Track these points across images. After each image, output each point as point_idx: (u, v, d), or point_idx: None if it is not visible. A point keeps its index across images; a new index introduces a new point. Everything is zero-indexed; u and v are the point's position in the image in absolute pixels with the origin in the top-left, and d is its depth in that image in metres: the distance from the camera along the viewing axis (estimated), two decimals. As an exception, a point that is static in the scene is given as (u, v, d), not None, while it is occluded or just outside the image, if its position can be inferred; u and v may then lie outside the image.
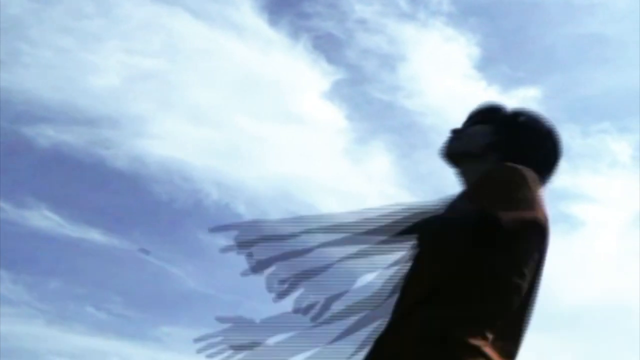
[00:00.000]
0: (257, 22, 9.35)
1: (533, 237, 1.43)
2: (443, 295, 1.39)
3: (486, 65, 9.41)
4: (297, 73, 9.69)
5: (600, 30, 9.86)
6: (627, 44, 9.81)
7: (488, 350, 1.34)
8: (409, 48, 9.76)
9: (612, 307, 9.05)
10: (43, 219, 9.28)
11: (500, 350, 1.37)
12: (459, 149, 1.64)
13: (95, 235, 9.58)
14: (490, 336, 1.35)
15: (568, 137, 9.64)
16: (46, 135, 9.25)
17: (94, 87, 9.51)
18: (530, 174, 1.46)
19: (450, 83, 9.68)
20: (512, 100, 9.06)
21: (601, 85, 9.95)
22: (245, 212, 9.76)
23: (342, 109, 9.67)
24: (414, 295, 1.44)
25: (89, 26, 9.36)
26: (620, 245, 9.65)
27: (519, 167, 1.46)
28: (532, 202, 1.43)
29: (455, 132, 1.67)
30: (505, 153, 1.58)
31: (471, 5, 9.79)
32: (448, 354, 1.32)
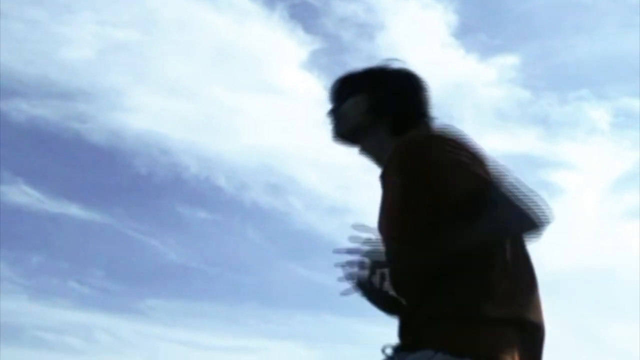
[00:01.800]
0: (232, -9, 9.21)
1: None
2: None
3: (464, 33, 9.37)
4: (274, 43, 9.59)
5: (578, -3, 9.84)
6: (605, 11, 9.81)
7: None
8: (386, 16, 9.68)
9: (592, 271, 9.18)
10: (22, 194, 9.19)
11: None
12: (346, 128, 1.66)
13: (75, 210, 9.52)
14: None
15: (546, 105, 9.69)
16: (20, 109, 9.11)
17: (67, 59, 9.35)
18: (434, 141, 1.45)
19: (428, 51, 9.61)
20: (491, 68, 9.05)
21: (579, 53, 9.96)
22: (226, 185, 9.73)
23: (320, 79, 9.58)
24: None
25: (61, -2, 9.16)
26: (599, 211, 9.77)
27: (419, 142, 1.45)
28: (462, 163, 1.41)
29: (333, 114, 1.69)
30: (385, 107, 1.61)
31: (449, -28, 9.70)
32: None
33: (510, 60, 9.41)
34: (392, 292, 1.57)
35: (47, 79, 9.26)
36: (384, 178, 1.58)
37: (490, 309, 1.39)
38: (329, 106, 1.70)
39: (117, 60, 9.69)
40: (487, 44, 9.50)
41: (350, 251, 1.61)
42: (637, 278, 9.19)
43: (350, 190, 10.25)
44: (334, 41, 9.65)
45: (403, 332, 1.49)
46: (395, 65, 1.67)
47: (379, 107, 1.61)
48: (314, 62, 9.45)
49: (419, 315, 1.45)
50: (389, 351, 1.49)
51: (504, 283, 1.42)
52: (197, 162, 9.69)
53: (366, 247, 1.59)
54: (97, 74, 9.59)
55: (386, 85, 1.63)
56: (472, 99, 9.92)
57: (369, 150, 1.64)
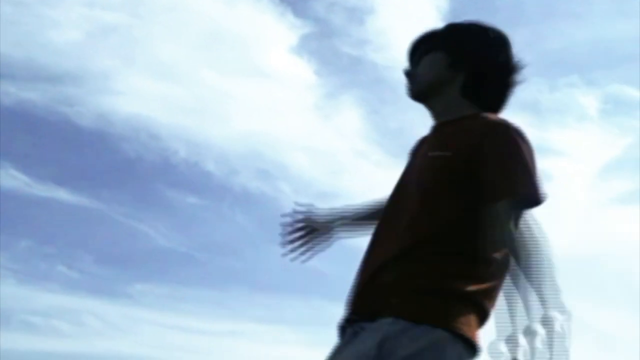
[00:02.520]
0: (222, -26, 9.13)
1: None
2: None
3: (455, 18, 8.97)
4: (263, 27, 9.51)
5: (569, -17, 9.82)
6: (595, -4, 9.80)
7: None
8: (377, 0, 9.63)
9: (580, 257, 9.24)
10: (10, 178, 9.10)
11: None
12: (422, 87, 1.64)
13: (63, 195, 9.44)
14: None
15: (536, 91, 9.66)
16: (8, 92, 8.99)
17: (55, 42, 9.22)
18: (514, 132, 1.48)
19: (419, 36, 9.57)
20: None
21: (569, 39, 9.94)
22: (215, 170, 9.69)
23: (310, 64, 9.55)
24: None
25: (49, -21, 9.05)
26: (587, 197, 9.81)
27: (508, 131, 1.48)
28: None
29: (409, 75, 1.66)
30: (466, 65, 1.58)
31: (440, -43, 9.65)
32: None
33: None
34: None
35: (35, 61, 9.16)
36: (449, 133, 1.56)
37: (460, 287, 1.40)
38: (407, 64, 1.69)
39: (106, 43, 9.59)
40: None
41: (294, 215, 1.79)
42: (625, 264, 9.28)
43: (340, 175, 10.26)
44: (323, 25, 9.59)
45: (359, 302, 1.49)
46: (479, 23, 1.64)
47: (455, 64, 1.59)
48: (304, 46, 9.39)
49: (378, 285, 1.46)
50: (343, 322, 1.50)
51: (482, 270, 1.43)
52: (186, 147, 9.64)
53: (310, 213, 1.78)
54: (86, 57, 9.50)
55: (465, 42, 1.60)
56: (462, 85, 9.87)
57: (436, 108, 1.63)
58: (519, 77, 1.60)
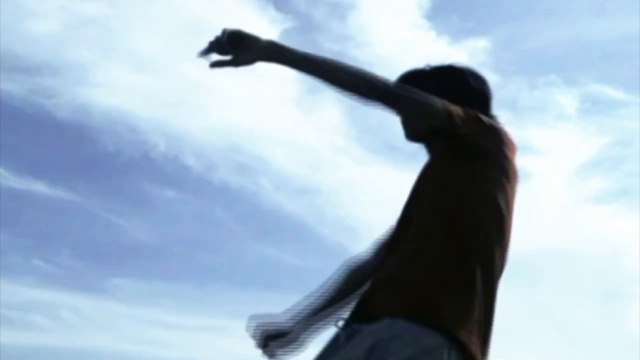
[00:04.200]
0: (203, -33, 9.08)
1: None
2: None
3: (436, 14, 9.34)
4: (244, 20, 9.47)
5: (549, -18, 9.89)
6: (575, -5, 9.88)
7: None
8: (358, -4, 9.63)
9: (556, 254, 9.33)
10: (-16, 171, 9.00)
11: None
12: (411, 130, 1.66)
13: (40, 187, 9.35)
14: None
15: (515, 89, 9.72)
16: (-16, 84, 8.89)
17: (33, 33, 9.11)
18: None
19: (400, 33, 9.59)
20: (462, 51, 9.06)
21: (549, 38, 10.02)
22: (194, 164, 9.64)
23: (291, 59, 9.51)
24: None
25: (27, -31, 8.94)
26: (564, 195, 9.91)
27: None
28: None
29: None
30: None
31: (422, -46, 9.66)
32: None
33: (481, 43, 9.42)
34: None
35: (12, 52, 9.03)
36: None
37: (465, 292, 1.41)
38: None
39: (84, 34, 9.49)
40: (458, 26, 9.50)
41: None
42: (599, 262, 9.39)
43: (320, 171, 10.26)
44: (305, 20, 9.57)
45: (361, 304, 1.50)
46: (463, 68, 1.68)
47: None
48: (285, 41, 9.05)
49: (379, 284, 1.47)
50: (341, 324, 1.50)
51: (486, 283, 1.45)
52: (165, 140, 9.57)
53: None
54: (64, 48, 9.40)
55: (449, 92, 1.60)
56: (442, 82, 9.91)
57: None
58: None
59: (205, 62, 1.52)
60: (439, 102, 1.48)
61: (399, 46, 9.54)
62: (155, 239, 9.87)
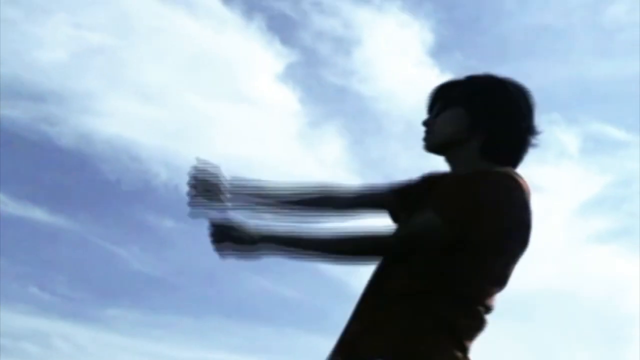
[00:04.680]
0: (210, 0, 9.18)
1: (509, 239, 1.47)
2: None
3: (439, 52, 9.42)
4: (250, 54, 9.56)
5: (552, 22, 9.99)
6: (578, 36, 9.96)
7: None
8: (364, 32, 9.71)
9: (556, 294, 9.26)
10: (-16, 196, 8.99)
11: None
12: (438, 142, 1.61)
13: (39, 214, 9.33)
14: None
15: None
16: (-12, 109, 8.93)
17: (40, 61, 9.20)
18: (507, 184, 1.47)
19: (403, 69, 9.66)
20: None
21: (551, 77, 10.07)
22: (195, 194, 9.61)
23: (295, 92, 9.59)
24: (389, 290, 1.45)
25: (36, -2, 9.04)
26: (565, 234, 9.87)
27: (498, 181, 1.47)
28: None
29: (427, 125, 1.64)
30: (486, 126, 1.56)
31: (426, -8, 9.78)
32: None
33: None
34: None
35: (18, 79, 9.10)
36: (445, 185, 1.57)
37: (448, 330, 1.40)
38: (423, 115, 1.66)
39: (90, 63, 9.58)
40: (461, 64, 9.55)
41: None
42: (599, 302, 9.32)
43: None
44: (310, 54, 9.66)
45: (346, 345, 1.47)
46: (502, 78, 1.61)
47: (476, 125, 1.56)
48: (290, 75, 9.43)
49: (365, 325, 1.44)
50: None
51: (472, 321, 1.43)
52: (167, 170, 9.57)
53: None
54: (70, 76, 9.47)
55: (487, 102, 1.57)
56: (444, 119, 9.94)
57: (453, 162, 1.60)
58: (536, 137, 1.61)
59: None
60: (432, 221, 1.42)
61: (402, 82, 9.60)
62: (152, 269, 9.82)
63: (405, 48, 9.53)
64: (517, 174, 1.51)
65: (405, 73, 9.57)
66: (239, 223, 1.52)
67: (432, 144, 1.62)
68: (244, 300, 9.92)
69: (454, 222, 1.40)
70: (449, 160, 1.61)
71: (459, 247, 1.40)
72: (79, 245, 9.63)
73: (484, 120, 1.56)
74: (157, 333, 9.49)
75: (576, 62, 10.02)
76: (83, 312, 9.31)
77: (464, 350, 1.40)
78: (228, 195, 1.64)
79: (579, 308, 9.35)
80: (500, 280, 1.48)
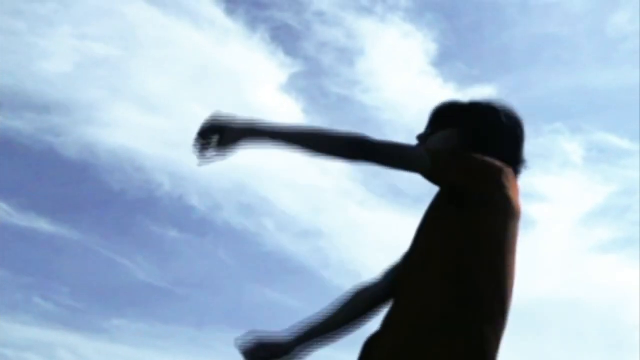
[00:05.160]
0: (213, 11, 9.23)
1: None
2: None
3: (443, 62, 9.46)
4: (254, 64, 9.60)
5: (555, 31, 10.01)
6: (581, 45, 9.99)
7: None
8: (367, 42, 9.75)
9: (561, 303, 9.24)
10: (-11, 206, 9.01)
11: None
12: None
13: (43, 225, 9.34)
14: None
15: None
16: (-6, 120, 8.97)
17: (44, 72, 9.24)
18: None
19: (407, 79, 9.70)
20: (468, 98, 9.12)
21: (555, 86, 10.11)
22: (199, 204, 9.65)
23: (299, 102, 9.62)
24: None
25: (41, 10, 9.09)
26: (569, 243, 9.85)
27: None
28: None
29: (421, 139, 1.69)
30: (474, 151, 1.59)
31: (428, 1, 9.81)
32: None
33: (487, 91, 9.47)
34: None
35: (23, 90, 9.15)
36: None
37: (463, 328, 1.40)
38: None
39: (94, 74, 9.62)
40: (465, 73, 9.60)
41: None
42: (603, 312, 9.29)
43: (324, 213, 10.25)
44: (313, 65, 9.70)
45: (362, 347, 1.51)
46: (498, 108, 1.66)
47: (464, 149, 1.60)
48: (293, 85, 9.47)
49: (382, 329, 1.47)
50: None
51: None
52: (171, 180, 9.61)
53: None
54: (74, 87, 9.52)
55: (479, 129, 1.62)
56: (447, 128, 9.94)
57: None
58: (521, 168, 1.64)
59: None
60: (419, 149, 1.50)
61: (406, 92, 9.64)
62: (156, 279, 9.82)
63: (408, 58, 9.57)
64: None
65: (408, 83, 9.61)
66: (227, 119, 1.54)
67: None
68: (248, 310, 9.91)
69: (438, 161, 1.47)
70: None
71: (459, 203, 1.47)
72: (83, 255, 9.65)
73: (471, 146, 1.60)
74: (161, 344, 9.48)
75: (579, 72, 10.06)
76: (87, 322, 9.32)
77: (481, 354, 1.40)
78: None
79: (583, 317, 9.33)
80: (505, 275, 1.48)
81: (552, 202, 9.73)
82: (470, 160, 1.50)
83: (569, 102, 10.20)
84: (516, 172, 1.62)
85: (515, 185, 1.55)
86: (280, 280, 10.04)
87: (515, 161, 1.62)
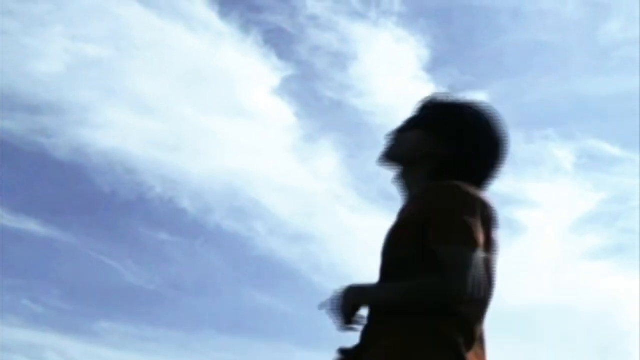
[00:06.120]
0: (207, 13, 9.23)
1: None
2: None
3: (435, 67, 9.49)
4: (247, 67, 9.60)
5: (547, 38, 10.07)
6: (574, 53, 10.06)
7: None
8: (360, 47, 9.78)
9: (552, 309, 9.27)
10: (-21, 208, 8.96)
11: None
12: (396, 153, 1.65)
13: (33, 226, 9.32)
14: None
15: (513, 143, 9.83)
16: (-16, 121, 8.93)
17: (36, 73, 9.22)
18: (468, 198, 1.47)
19: (399, 84, 9.73)
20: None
21: (547, 93, 10.16)
22: (190, 207, 9.64)
23: (291, 106, 9.64)
24: None
25: (34, 10, 9.08)
26: (560, 249, 9.89)
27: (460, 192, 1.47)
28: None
29: (395, 135, 1.67)
30: (440, 155, 1.59)
31: (422, 7, 9.87)
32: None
33: (479, 96, 9.32)
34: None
35: (14, 91, 9.13)
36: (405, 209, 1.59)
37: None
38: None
39: (87, 75, 9.61)
40: (457, 79, 9.63)
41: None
42: (593, 318, 9.32)
43: (315, 217, 10.26)
44: (306, 68, 9.72)
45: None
46: (477, 113, 1.63)
47: (433, 150, 1.60)
48: (286, 88, 9.48)
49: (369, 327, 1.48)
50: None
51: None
52: (162, 183, 9.59)
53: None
54: (66, 88, 9.50)
55: (455, 135, 1.59)
56: (439, 134, 9.98)
57: (403, 179, 1.64)
58: (492, 176, 1.62)
59: None
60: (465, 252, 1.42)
61: (398, 97, 9.66)
62: (145, 282, 9.79)
63: (401, 63, 9.60)
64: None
65: (400, 88, 9.63)
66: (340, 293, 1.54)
67: (385, 156, 1.65)
68: (238, 314, 9.91)
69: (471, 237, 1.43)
70: (400, 176, 1.65)
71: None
72: (73, 257, 9.63)
73: (440, 149, 1.59)
74: (150, 347, 9.46)
75: (571, 79, 10.13)
76: (76, 325, 9.30)
77: None
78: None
79: (574, 323, 9.36)
80: (487, 287, 1.48)
81: (542, 209, 9.78)
82: (477, 229, 1.45)
83: (560, 108, 10.26)
84: (485, 180, 1.60)
85: (495, 221, 1.52)
86: (270, 284, 10.05)
87: (486, 178, 1.61)
